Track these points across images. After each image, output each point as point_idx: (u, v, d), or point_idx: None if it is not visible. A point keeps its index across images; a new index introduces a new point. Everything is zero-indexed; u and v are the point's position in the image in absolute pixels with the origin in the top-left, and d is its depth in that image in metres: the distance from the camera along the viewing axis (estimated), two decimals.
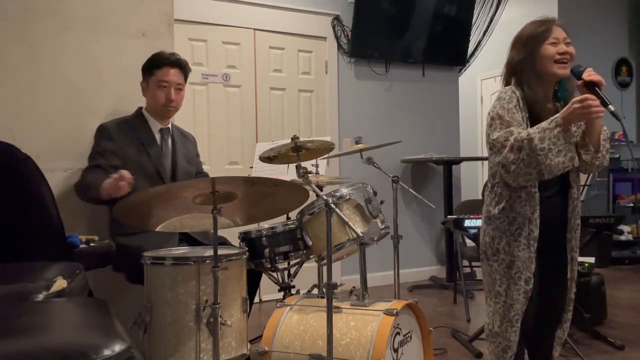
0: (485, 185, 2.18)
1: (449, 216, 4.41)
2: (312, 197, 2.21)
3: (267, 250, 2.57)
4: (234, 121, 4.50)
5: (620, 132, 6.38)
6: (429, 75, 5.44)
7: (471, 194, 5.96)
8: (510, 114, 1.97)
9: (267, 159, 2.33)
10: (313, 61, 4.87)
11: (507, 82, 2.13)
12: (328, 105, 4.92)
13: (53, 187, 2.38)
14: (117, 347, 1.16)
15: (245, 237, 2.62)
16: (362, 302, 2.27)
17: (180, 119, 2.89)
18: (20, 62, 2.63)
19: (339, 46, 4.95)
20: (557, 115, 1.88)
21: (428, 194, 5.09)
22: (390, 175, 3.01)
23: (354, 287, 2.71)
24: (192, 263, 2.08)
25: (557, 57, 1.99)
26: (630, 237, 6.00)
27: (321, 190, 2.80)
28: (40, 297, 1.67)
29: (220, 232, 2.05)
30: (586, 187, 3.58)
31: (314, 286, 3.06)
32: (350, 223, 2.13)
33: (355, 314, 2.21)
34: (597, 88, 1.90)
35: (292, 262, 2.75)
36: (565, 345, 2.26)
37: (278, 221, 2.71)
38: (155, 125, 2.71)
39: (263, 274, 2.79)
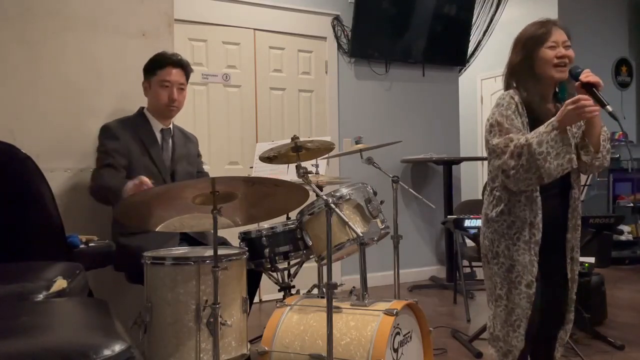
0: (485, 186, 2.18)
1: (449, 216, 4.41)
2: (312, 197, 2.21)
3: (267, 250, 2.58)
4: (234, 121, 4.50)
5: (620, 132, 6.38)
6: (429, 75, 5.44)
7: (471, 194, 5.96)
8: (509, 121, 1.98)
9: (267, 159, 2.33)
10: (313, 61, 4.87)
11: (507, 83, 2.13)
12: (328, 105, 4.92)
13: (53, 187, 2.38)
14: (117, 347, 1.16)
15: (245, 237, 2.62)
16: (362, 302, 2.27)
17: (180, 119, 2.89)
18: (20, 62, 2.63)
19: (339, 46, 4.95)
20: (553, 118, 1.89)
21: (428, 194, 5.09)
22: (390, 175, 3.01)
23: (354, 287, 2.71)
24: (192, 263, 2.08)
25: (555, 61, 1.99)
26: (630, 237, 6.00)
27: (321, 190, 2.80)
28: (40, 297, 1.67)
29: (220, 232, 2.05)
30: (586, 187, 3.58)
31: (314, 286, 3.06)
32: (350, 223, 2.13)
33: (355, 314, 2.21)
34: (594, 89, 1.91)
35: (292, 262, 2.75)
36: (565, 345, 2.25)
37: (278, 221, 2.71)
38: (157, 126, 2.72)
39: (263, 274, 2.79)
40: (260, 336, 2.33)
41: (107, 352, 1.13)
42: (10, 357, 1.09)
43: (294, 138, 2.21)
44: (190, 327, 2.05)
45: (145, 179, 2.34)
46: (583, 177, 2.42)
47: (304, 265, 2.89)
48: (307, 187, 2.10)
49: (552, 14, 6.08)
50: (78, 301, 1.75)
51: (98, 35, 2.80)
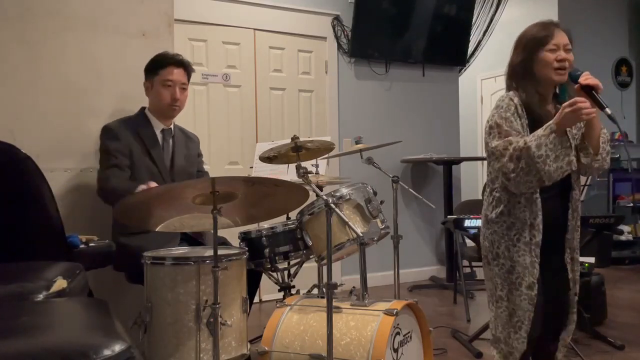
0: (485, 187, 2.18)
1: (449, 216, 4.41)
2: (312, 197, 2.21)
3: (267, 250, 2.58)
4: (234, 121, 4.50)
5: (620, 133, 6.37)
6: (429, 75, 5.44)
7: (471, 194, 5.96)
8: (508, 123, 1.98)
9: (267, 159, 2.33)
10: (313, 61, 4.87)
11: (508, 84, 2.13)
12: (328, 105, 4.92)
13: (53, 187, 2.38)
14: (117, 347, 1.16)
15: (245, 237, 2.62)
16: (362, 302, 2.27)
17: (180, 119, 2.89)
18: (20, 62, 2.63)
19: (339, 46, 4.95)
20: (551, 121, 1.89)
21: (428, 194, 5.09)
22: (390, 175, 3.01)
23: (354, 287, 2.71)
24: (192, 263, 2.08)
25: (556, 64, 1.99)
26: (630, 237, 6.00)
27: (321, 190, 2.80)
28: (40, 297, 1.67)
29: (220, 232, 2.05)
30: (586, 187, 3.58)
31: (314, 286, 3.06)
32: (350, 223, 2.13)
33: (355, 314, 2.21)
34: (594, 92, 1.91)
35: (292, 262, 2.75)
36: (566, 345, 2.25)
37: (278, 221, 2.71)
38: (158, 126, 2.72)
39: (263, 274, 2.79)
40: (260, 336, 2.33)
41: (107, 352, 1.13)
42: (10, 357, 1.09)
43: (294, 138, 2.21)
44: (190, 327, 2.05)
45: (153, 183, 2.35)
46: (583, 178, 2.42)
47: (304, 265, 2.89)
48: (307, 187, 2.10)
49: (552, 14, 6.08)
50: (78, 301, 1.75)
51: (98, 35, 2.80)
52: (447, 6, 5.27)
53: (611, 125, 2.00)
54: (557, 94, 2.12)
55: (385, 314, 2.15)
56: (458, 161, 5.37)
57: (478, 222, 3.65)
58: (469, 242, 4.40)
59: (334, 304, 2.14)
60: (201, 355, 2.05)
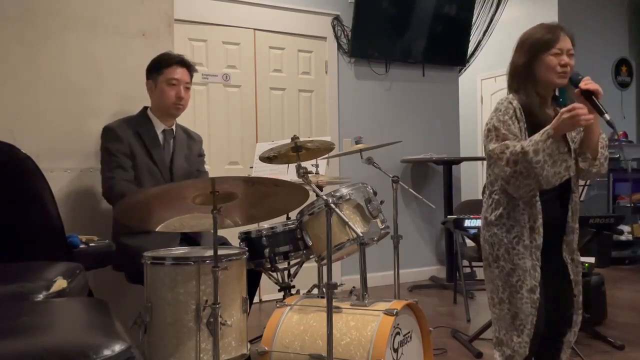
0: (484, 188, 2.18)
1: (449, 216, 4.41)
2: (312, 197, 2.21)
3: (267, 250, 2.58)
4: (234, 121, 4.50)
5: (621, 132, 6.38)
6: (429, 75, 5.44)
7: (471, 194, 5.96)
8: (505, 126, 1.99)
9: (267, 159, 2.33)
10: (313, 61, 4.87)
11: (509, 84, 2.13)
12: (328, 105, 4.92)
13: (53, 187, 2.38)
14: (117, 347, 1.16)
15: (245, 237, 2.62)
16: (362, 302, 2.27)
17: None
18: (20, 62, 2.63)
19: (339, 46, 4.95)
20: (548, 126, 1.89)
21: (428, 194, 5.09)
22: (390, 175, 3.01)
23: (354, 287, 2.71)
24: (192, 263, 2.08)
25: (559, 69, 2.00)
26: (630, 237, 6.00)
27: (321, 190, 2.80)
28: (40, 297, 1.67)
29: (220, 232, 2.05)
30: (586, 187, 3.58)
31: (314, 286, 3.06)
32: (350, 223, 2.13)
33: (355, 314, 2.21)
34: (594, 97, 1.92)
35: (292, 262, 2.75)
36: None
37: (278, 221, 2.71)
38: (159, 126, 2.72)
39: (263, 274, 2.79)
40: (260, 336, 2.33)
41: (107, 352, 1.13)
42: (10, 357, 1.09)
43: (294, 138, 2.21)
44: (190, 327, 2.05)
45: None
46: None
47: (304, 265, 2.89)
48: (307, 187, 2.10)
49: (552, 14, 6.08)
50: (78, 301, 1.75)
51: (98, 35, 2.80)
52: (447, 6, 5.27)
53: (610, 129, 2.00)
54: (556, 96, 2.12)
55: (385, 314, 2.15)
56: (458, 161, 5.37)
57: (478, 222, 3.65)
58: (469, 242, 4.40)
59: (334, 304, 2.14)
60: (201, 355, 2.05)
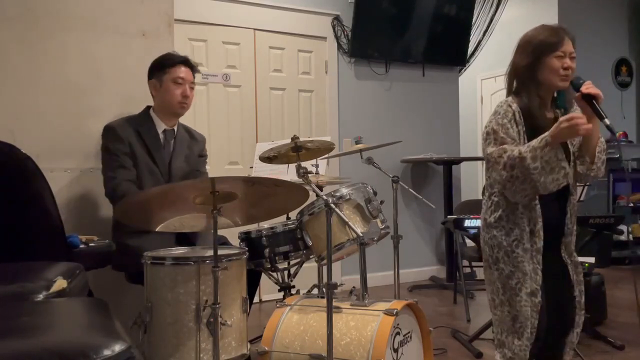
0: (484, 190, 2.18)
1: (449, 216, 4.41)
2: (312, 197, 2.21)
3: (267, 250, 2.58)
4: (234, 121, 4.50)
5: (620, 132, 6.38)
6: (429, 75, 5.44)
7: (471, 194, 5.96)
8: (504, 130, 1.99)
9: (267, 159, 2.33)
10: (313, 61, 4.87)
11: (509, 85, 2.13)
12: (328, 105, 4.92)
13: (53, 187, 2.38)
14: (117, 347, 1.16)
15: (245, 237, 2.62)
16: (362, 302, 2.27)
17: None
18: (20, 62, 2.63)
19: (339, 46, 4.95)
20: (546, 134, 1.90)
21: (428, 194, 5.09)
22: (390, 175, 3.01)
23: (354, 287, 2.71)
24: (192, 263, 2.08)
25: (562, 72, 2.00)
26: (630, 237, 6.00)
27: (321, 190, 2.80)
28: (40, 297, 1.67)
29: (220, 232, 2.05)
30: (586, 187, 3.58)
31: (314, 286, 3.06)
32: (350, 223, 2.13)
33: (355, 314, 2.21)
34: (594, 101, 1.92)
35: (292, 262, 2.75)
36: None
37: (278, 221, 2.71)
38: (160, 126, 2.72)
39: (263, 274, 2.79)
40: (260, 336, 2.33)
41: (107, 352, 1.13)
42: (10, 357, 1.09)
43: (294, 138, 2.21)
44: (190, 327, 2.05)
45: None
46: None
47: (304, 265, 2.89)
48: (307, 187, 2.10)
49: (552, 14, 6.08)
50: (78, 301, 1.75)
51: (98, 35, 2.80)
52: (447, 6, 5.27)
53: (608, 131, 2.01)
54: (555, 98, 2.12)
55: (385, 314, 2.15)
56: (458, 161, 5.37)
57: (478, 222, 3.65)
58: (469, 242, 4.40)
59: (334, 304, 2.14)
60: (201, 355, 2.05)
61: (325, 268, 2.43)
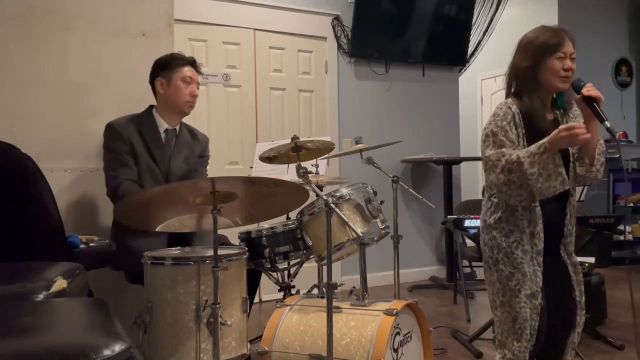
0: (484, 191, 2.18)
1: (449, 216, 4.41)
2: (312, 197, 2.21)
3: (267, 250, 2.58)
4: (234, 121, 4.50)
5: (620, 132, 6.38)
6: (429, 75, 5.44)
7: (471, 194, 5.96)
8: (503, 132, 1.99)
9: (267, 159, 2.33)
10: (313, 61, 4.87)
11: (508, 86, 2.13)
12: (328, 105, 4.92)
13: (53, 187, 2.38)
14: (117, 347, 1.16)
15: (245, 237, 2.62)
16: (362, 302, 2.27)
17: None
18: (21, 62, 2.63)
19: (339, 46, 4.95)
20: (545, 140, 1.90)
21: (428, 194, 5.09)
22: (390, 175, 3.01)
23: (354, 287, 2.71)
24: (192, 263, 2.08)
25: (562, 73, 2.00)
26: (630, 237, 6.00)
27: (321, 190, 2.80)
28: (40, 297, 1.67)
29: (221, 232, 2.05)
30: (586, 188, 3.58)
31: (314, 286, 3.06)
32: (350, 223, 2.13)
33: (355, 314, 2.21)
34: (595, 103, 1.93)
35: (292, 262, 2.75)
36: None
37: (278, 221, 2.71)
38: (162, 125, 2.71)
39: (263, 274, 2.79)
40: (260, 336, 2.33)
41: (107, 352, 1.13)
42: (10, 357, 1.09)
43: (294, 138, 2.21)
44: (190, 327, 2.05)
45: None
46: None
47: (304, 265, 2.89)
48: (307, 187, 2.10)
49: (552, 14, 6.08)
50: (78, 301, 1.75)
51: (98, 35, 2.80)
52: (447, 6, 5.27)
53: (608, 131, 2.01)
54: (554, 99, 2.12)
55: (385, 314, 2.15)
56: (458, 161, 5.37)
57: (478, 222, 3.65)
58: (469, 242, 4.40)
59: (334, 304, 2.14)
60: (201, 355, 2.05)
61: (325, 268, 2.43)
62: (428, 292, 4.83)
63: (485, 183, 2.12)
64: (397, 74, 5.25)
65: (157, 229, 2.13)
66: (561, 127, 1.89)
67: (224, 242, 2.64)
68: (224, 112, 4.46)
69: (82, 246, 2.34)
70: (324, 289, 2.00)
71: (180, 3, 3.75)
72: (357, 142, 3.88)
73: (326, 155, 2.67)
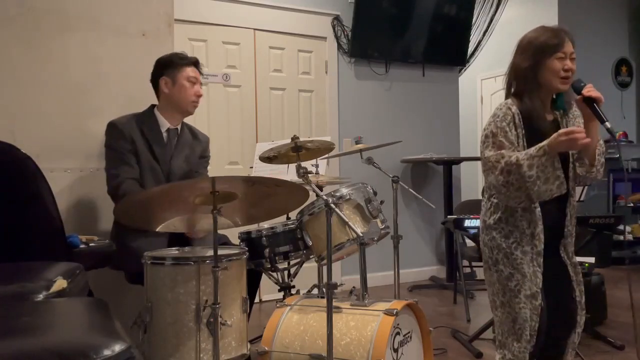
0: (484, 191, 2.18)
1: (449, 216, 4.41)
2: (312, 197, 2.21)
3: (267, 250, 2.58)
4: (234, 121, 4.50)
5: (620, 132, 6.38)
6: (429, 75, 5.44)
7: (471, 194, 5.96)
8: (502, 133, 1.99)
9: (267, 159, 2.33)
10: (313, 61, 4.87)
11: (508, 86, 2.13)
12: (328, 105, 4.92)
13: (53, 187, 2.38)
14: (117, 347, 1.16)
15: (245, 237, 2.62)
16: (362, 302, 2.27)
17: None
18: (21, 62, 2.63)
19: (339, 46, 4.95)
20: (544, 143, 1.90)
21: (428, 194, 5.09)
22: (390, 175, 3.01)
23: (354, 287, 2.71)
24: (192, 263, 2.08)
25: (562, 74, 1.99)
26: (630, 237, 6.00)
27: (321, 190, 2.80)
28: (40, 297, 1.67)
29: (221, 232, 2.05)
30: (586, 188, 3.58)
31: (314, 286, 3.06)
32: (350, 223, 2.13)
33: (355, 314, 2.21)
34: (595, 104, 1.92)
35: (292, 262, 2.75)
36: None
37: (278, 221, 2.71)
38: (164, 125, 2.71)
39: (263, 274, 2.79)
40: (260, 336, 2.33)
41: (107, 352, 1.13)
42: (10, 357, 1.09)
43: (294, 138, 2.21)
44: (190, 327, 2.05)
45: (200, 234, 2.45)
46: None
47: (304, 265, 2.89)
48: (307, 187, 2.10)
49: (552, 14, 6.08)
50: (78, 301, 1.75)
51: (98, 35, 2.80)
52: (447, 6, 5.27)
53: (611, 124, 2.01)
54: (554, 99, 2.12)
55: (385, 314, 2.15)
56: (458, 161, 5.37)
57: (478, 222, 3.65)
58: (469, 242, 4.40)
59: (334, 304, 2.14)
60: (201, 355, 2.05)
61: (325, 268, 2.43)
62: (428, 292, 4.83)
63: (485, 183, 2.12)
64: (397, 74, 5.25)
65: (157, 229, 2.13)
66: (560, 131, 1.89)
67: (225, 242, 2.64)
68: (224, 112, 4.46)
69: (82, 246, 2.34)
70: (324, 289, 2.01)
71: (180, 3, 3.75)
72: (357, 142, 3.88)
73: (326, 155, 2.68)
